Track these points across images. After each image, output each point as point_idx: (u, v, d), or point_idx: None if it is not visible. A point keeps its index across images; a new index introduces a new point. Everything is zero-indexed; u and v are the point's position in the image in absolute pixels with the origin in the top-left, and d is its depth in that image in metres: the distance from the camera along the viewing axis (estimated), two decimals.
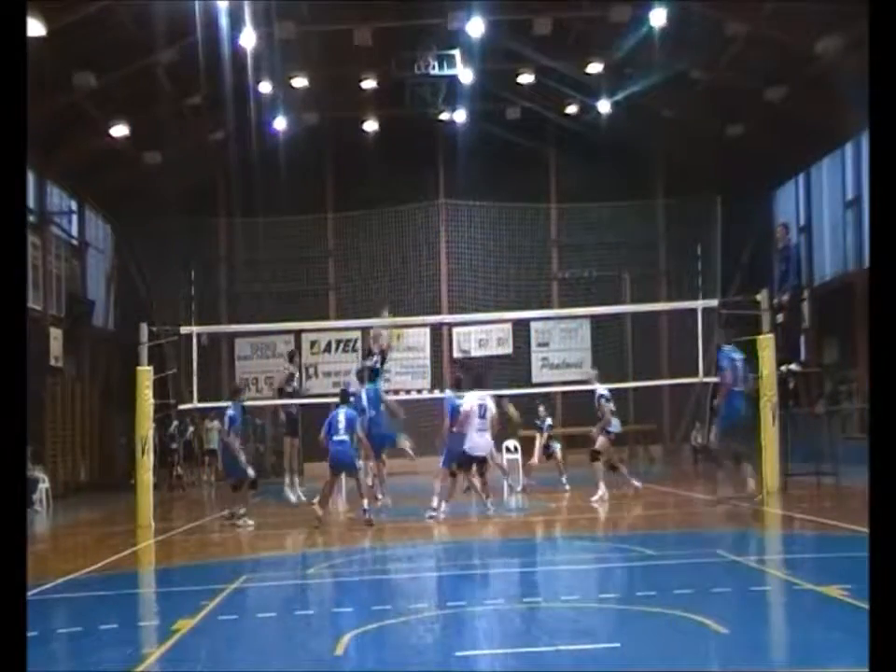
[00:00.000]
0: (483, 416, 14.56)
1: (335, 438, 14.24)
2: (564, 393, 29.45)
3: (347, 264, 33.24)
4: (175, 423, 27.37)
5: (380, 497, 16.05)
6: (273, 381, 17.30)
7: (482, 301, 31.69)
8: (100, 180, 29.29)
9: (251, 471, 15.53)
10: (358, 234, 32.98)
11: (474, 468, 15.32)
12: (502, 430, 16.38)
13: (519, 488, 19.26)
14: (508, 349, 32.82)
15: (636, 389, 27.97)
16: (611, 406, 17.06)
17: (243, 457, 15.53)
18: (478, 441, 14.56)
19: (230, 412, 15.62)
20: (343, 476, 15.80)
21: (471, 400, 14.75)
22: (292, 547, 13.39)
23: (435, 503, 14.59)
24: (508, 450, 20.63)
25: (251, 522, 15.16)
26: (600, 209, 32.55)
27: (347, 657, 6.22)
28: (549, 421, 19.98)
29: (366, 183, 32.23)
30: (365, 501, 14.34)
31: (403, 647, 6.54)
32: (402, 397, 20.46)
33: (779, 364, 16.52)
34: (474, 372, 17.93)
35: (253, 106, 26.82)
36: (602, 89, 28.66)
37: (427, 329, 32.32)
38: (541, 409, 20.06)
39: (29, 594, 7.83)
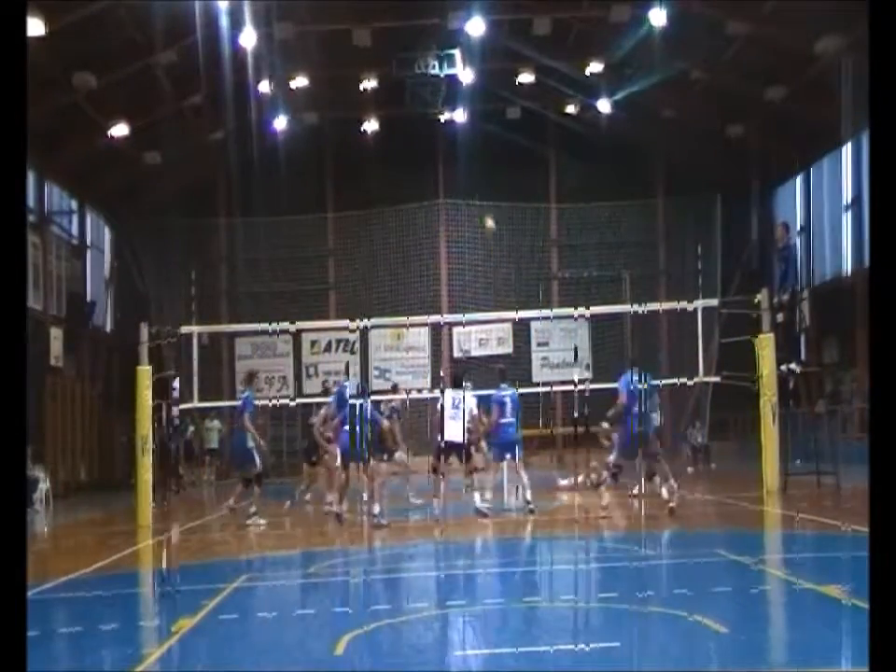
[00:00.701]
0: (456, 407, 14.73)
1: (347, 429, 14.24)
2: (564, 392, 29.43)
3: (347, 264, 33.24)
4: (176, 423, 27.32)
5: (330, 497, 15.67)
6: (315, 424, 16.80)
7: (482, 300, 31.69)
8: (100, 180, 29.30)
9: (259, 462, 15.45)
10: (358, 234, 32.98)
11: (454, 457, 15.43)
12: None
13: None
14: (508, 349, 32.81)
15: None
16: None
17: (253, 444, 15.37)
18: (451, 428, 14.67)
19: (243, 395, 15.60)
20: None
21: (446, 395, 14.90)
22: (291, 546, 13.37)
23: (487, 496, 14.88)
24: None
25: (262, 521, 15.06)
26: (600, 209, 32.56)
27: (347, 657, 6.22)
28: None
29: (366, 183, 32.23)
30: (376, 506, 14.33)
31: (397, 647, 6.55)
32: (402, 396, 20.45)
33: (779, 364, 16.52)
34: (455, 372, 18.06)
35: (253, 106, 26.84)
36: (602, 88, 28.67)
37: (427, 329, 32.31)
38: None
39: (29, 593, 7.83)
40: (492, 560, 11.46)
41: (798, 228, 29.39)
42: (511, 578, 9.79)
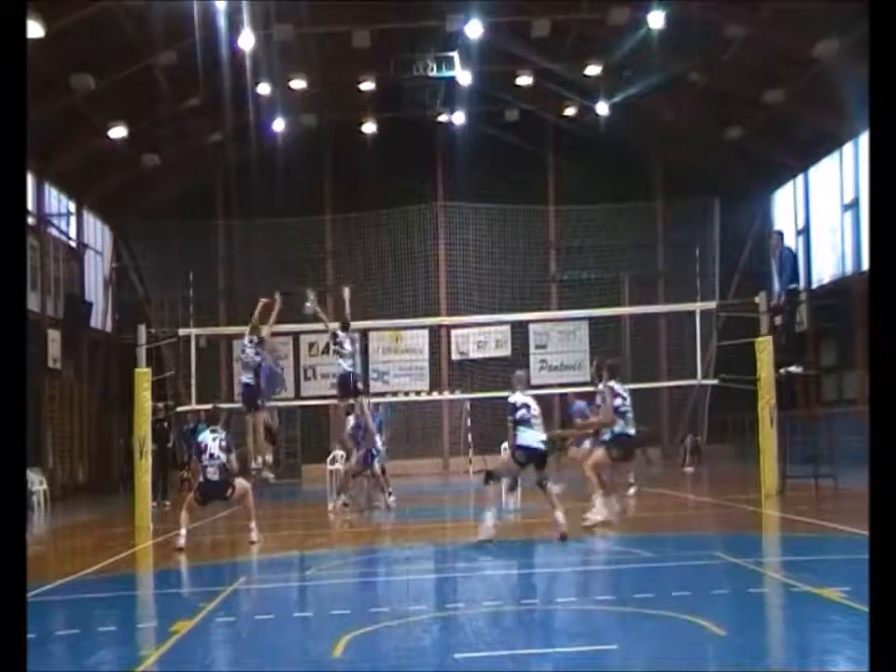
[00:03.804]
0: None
1: None
2: (561, 395, 29.43)
3: (346, 266, 33.20)
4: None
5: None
6: None
7: (480, 303, 31.69)
8: (98, 182, 29.30)
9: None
10: (357, 236, 32.95)
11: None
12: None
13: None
14: (506, 351, 32.80)
15: (634, 391, 27.96)
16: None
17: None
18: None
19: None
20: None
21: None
22: (292, 548, 13.36)
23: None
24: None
25: None
26: (599, 211, 32.56)
27: (345, 659, 6.22)
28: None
29: (364, 185, 32.21)
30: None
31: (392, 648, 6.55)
32: (402, 398, 20.49)
33: (778, 366, 16.51)
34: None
35: (252, 108, 26.82)
36: (600, 91, 28.67)
37: (426, 331, 32.33)
38: None
39: (28, 595, 7.81)
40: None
41: (796, 230, 29.41)
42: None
